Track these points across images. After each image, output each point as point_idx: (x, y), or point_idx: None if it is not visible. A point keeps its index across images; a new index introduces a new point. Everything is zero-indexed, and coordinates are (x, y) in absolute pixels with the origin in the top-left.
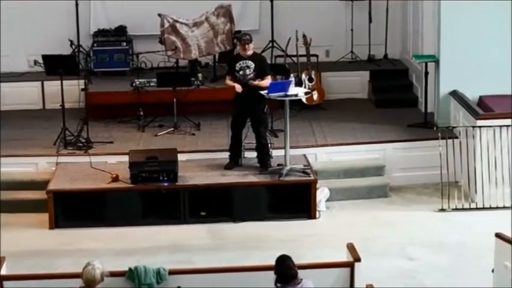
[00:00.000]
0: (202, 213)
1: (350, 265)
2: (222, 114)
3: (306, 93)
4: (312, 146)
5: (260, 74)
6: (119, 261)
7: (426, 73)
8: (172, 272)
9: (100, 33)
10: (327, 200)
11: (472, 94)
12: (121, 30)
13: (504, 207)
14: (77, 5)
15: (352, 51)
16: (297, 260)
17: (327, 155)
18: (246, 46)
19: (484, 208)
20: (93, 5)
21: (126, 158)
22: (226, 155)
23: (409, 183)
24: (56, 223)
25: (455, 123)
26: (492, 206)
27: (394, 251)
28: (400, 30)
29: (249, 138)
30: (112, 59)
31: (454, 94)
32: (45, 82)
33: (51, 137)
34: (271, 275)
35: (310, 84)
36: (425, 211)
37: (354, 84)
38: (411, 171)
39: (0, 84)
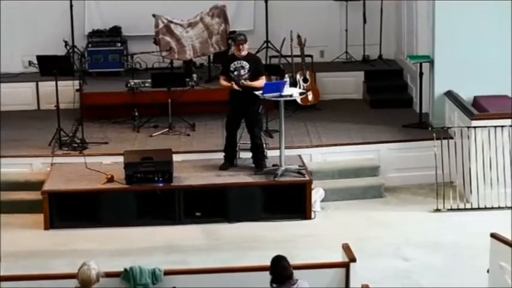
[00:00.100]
0: (198, 214)
1: (345, 265)
2: (216, 114)
3: (300, 94)
4: (307, 147)
5: (255, 75)
6: (114, 262)
7: (421, 73)
8: (167, 273)
9: (94, 33)
10: (322, 201)
11: (466, 94)
12: (115, 30)
13: (499, 208)
14: (71, 5)
15: (346, 52)
16: (292, 261)
17: (322, 156)
18: (241, 46)
19: (479, 208)
20: (87, 6)
21: (121, 159)
22: (221, 155)
23: (404, 184)
24: (51, 224)
25: (450, 124)
26: (487, 206)
27: (389, 252)
28: (395, 31)
29: (244, 138)
30: (107, 60)
31: (449, 94)
32: (39, 83)
33: (46, 137)
34: (266, 276)
35: (305, 84)
36: (421, 211)
37: (348, 84)
38: (406, 172)
39: (0, 84)
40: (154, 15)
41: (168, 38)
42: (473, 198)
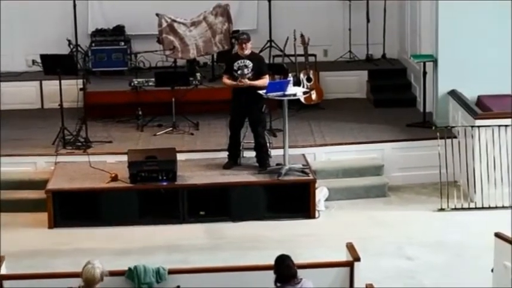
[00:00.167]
0: (202, 213)
1: (349, 265)
2: (220, 113)
3: (304, 93)
4: (311, 146)
5: (258, 74)
6: (118, 261)
7: (424, 73)
8: (171, 272)
9: (98, 32)
10: (326, 200)
11: (470, 94)
12: (119, 29)
13: (503, 207)
14: (74, 5)
15: (350, 51)
16: (295, 260)
17: (326, 155)
18: (244, 45)
19: (483, 208)
20: (90, 5)
21: (125, 158)
22: (225, 154)
23: (408, 183)
24: (55, 222)
25: (453, 123)
26: (491, 205)
27: (393, 251)
28: (398, 30)
29: (247, 137)
30: (110, 59)
31: (453, 94)
32: (43, 82)
33: (49, 136)
34: (270, 275)
35: (308, 83)
36: (424, 211)
37: (352, 83)
38: (410, 171)
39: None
40: (157, 14)
41: (171, 37)
42: (477, 197)
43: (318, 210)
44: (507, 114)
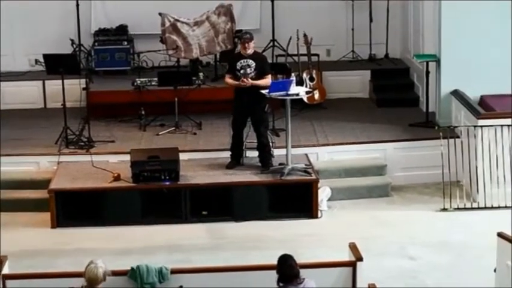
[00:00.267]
0: (204, 213)
1: (352, 264)
2: (223, 113)
3: (307, 93)
4: (314, 146)
5: (261, 73)
6: (120, 261)
7: (427, 72)
8: (174, 271)
9: (101, 32)
10: (329, 200)
11: (473, 93)
12: (122, 29)
13: (506, 207)
14: (77, 4)
15: (353, 51)
16: (298, 260)
17: (328, 155)
18: (246, 45)
19: (485, 208)
20: (93, 5)
21: (127, 157)
22: (227, 154)
23: (410, 183)
24: (58, 222)
25: (456, 123)
26: (494, 205)
27: (395, 251)
28: (401, 30)
29: (250, 137)
30: (113, 58)
31: (456, 93)
32: (46, 81)
33: (52, 136)
34: (273, 275)
35: (311, 83)
36: (427, 211)
37: (354, 83)
38: (412, 171)
39: (0, 83)
40: (160, 14)
41: (174, 37)
42: (480, 197)
43: (321, 210)
44: (510, 114)
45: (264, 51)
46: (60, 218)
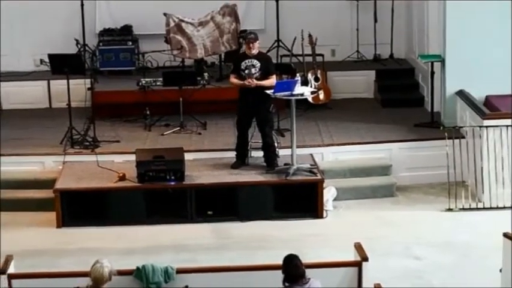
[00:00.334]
0: (209, 213)
1: (357, 264)
2: (228, 113)
3: (312, 93)
4: (319, 146)
5: (265, 73)
6: (125, 260)
7: (432, 73)
8: (180, 271)
9: (106, 32)
10: (334, 200)
11: (478, 94)
12: (126, 29)
13: (511, 207)
14: (82, 4)
15: (357, 51)
16: (303, 260)
17: (333, 155)
18: (251, 45)
19: (491, 208)
20: (98, 5)
21: (132, 157)
22: (232, 154)
23: (415, 183)
24: (63, 222)
25: (461, 123)
26: (499, 205)
27: (400, 251)
28: (406, 30)
29: (255, 137)
30: (118, 58)
31: (461, 94)
32: (51, 81)
33: (57, 136)
34: (278, 275)
35: (316, 83)
36: (432, 211)
37: (359, 83)
38: (417, 171)
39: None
40: (165, 14)
41: (179, 37)
42: (485, 197)
43: (326, 210)
44: None
45: (268, 51)
46: (65, 217)
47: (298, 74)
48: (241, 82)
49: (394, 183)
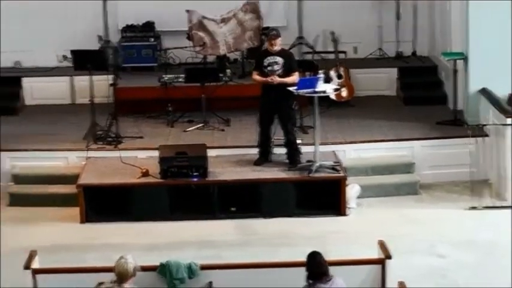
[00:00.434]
0: (232, 209)
1: (381, 262)
2: (250, 110)
3: (334, 90)
4: (341, 143)
5: (288, 70)
6: (148, 256)
7: (455, 70)
8: (203, 267)
9: (128, 28)
10: (357, 197)
11: (501, 92)
12: (149, 26)
13: None
14: (105, 0)
15: (380, 48)
16: (326, 257)
17: (356, 152)
18: (273, 41)
19: None
20: (121, 1)
21: (155, 153)
22: (255, 151)
23: (438, 181)
24: (86, 217)
25: (484, 121)
26: None
27: (424, 249)
28: (428, 27)
29: (278, 134)
30: (140, 55)
31: (484, 92)
32: (74, 77)
33: (80, 131)
34: (301, 272)
35: (339, 81)
36: (455, 209)
37: (382, 81)
38: (440, 169)
39: (22, 79)
40: (187, 11)
41: (201, 34)
42: (508, 196)
43: (349, 208)
44: None
45: (290, 48)
46: (88, 213)
47: (320, 71)
48: (264, 79)
49: (417, 181)
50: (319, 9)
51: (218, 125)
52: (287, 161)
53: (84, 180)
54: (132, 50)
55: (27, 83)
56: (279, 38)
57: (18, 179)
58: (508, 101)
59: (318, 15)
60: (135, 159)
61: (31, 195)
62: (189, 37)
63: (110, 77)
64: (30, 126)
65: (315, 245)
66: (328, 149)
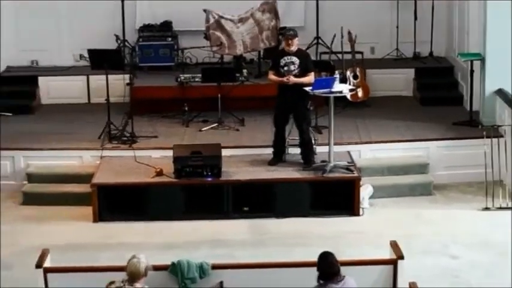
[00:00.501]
0: (246, 209)
1: (393, 262)
2: (266, 110)
3: (350, 90)
4: (356, 143)
5: (304, 70)
6: (161, 255)
7: (472, 71)
8: (215, 267)
9: (145, 28)
10: (370, 197)
11: None
12: (166, 25)
13: None
14: (122, 0)
15: (397, 49)
16: (339, 257)
17: (371, 152)
18: (290, 41)
19: None
20: (139, 1)
21: (170, 153)
22: (270, 151)
23: (453, 182)
24: (100, 216)
25: (500, 122)
26: None
27: (437, 249)
28: (446, 28)
29: (292, 134)
30: (157, 54)
31: (500, 93)
32: (90, 76)
33: (96, 130)
34: (314, 272)
35: (355, 81)
36: (469, 210)
37: (398, 81)
38: (455, 170)
39: (38, 78)
40: (205, 10)
41: (218, 33)
42: None
43: (362, 208)
44: None
45: (308, 48)
46: (102, 212)
47: (337, 72)
48: (280, 79)
49: (431, 182)
50: (337, 9)
51: (233, 125)
52: (301, 161)
53: (98, 179)
54: (149, 50)
55: (43, 82)
56: (296, 38)
57: (32, 177)
58: None
59: (335, 16)
60: (149, 159)
61: (45, 194)
62: (206, 37)
63: (126, 76)
64: (45, 125)
65: (328, 245)
66: (343, 149)
